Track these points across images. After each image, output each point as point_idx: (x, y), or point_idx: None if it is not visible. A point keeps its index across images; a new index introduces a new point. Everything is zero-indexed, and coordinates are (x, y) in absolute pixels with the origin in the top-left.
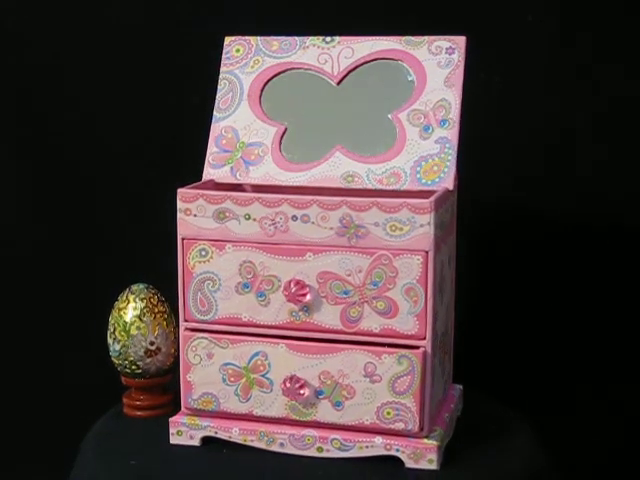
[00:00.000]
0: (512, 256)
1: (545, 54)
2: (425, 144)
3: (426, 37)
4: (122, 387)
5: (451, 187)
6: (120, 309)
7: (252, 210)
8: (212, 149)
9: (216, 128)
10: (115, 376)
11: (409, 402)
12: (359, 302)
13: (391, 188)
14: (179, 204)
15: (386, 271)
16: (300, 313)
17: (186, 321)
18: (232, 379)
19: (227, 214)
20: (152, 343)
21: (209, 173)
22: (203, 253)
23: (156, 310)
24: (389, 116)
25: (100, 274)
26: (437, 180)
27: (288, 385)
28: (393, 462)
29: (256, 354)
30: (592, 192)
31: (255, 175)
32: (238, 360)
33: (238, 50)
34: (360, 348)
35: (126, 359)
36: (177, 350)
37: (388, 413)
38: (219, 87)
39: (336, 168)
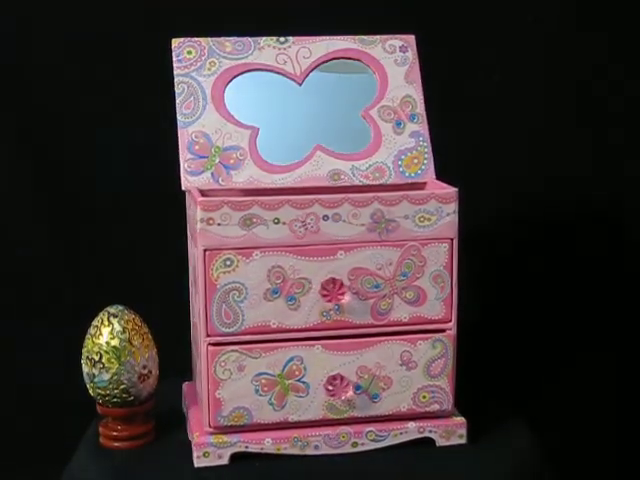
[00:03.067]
0: (512, 257)
1: (545, 54)
2: (400, 139)
3: (378, 36)
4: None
5: (434, 178)
6: (104, 335)
7: (281, 213)
8: (186, 155)
9: (184, 133)
10: None
11: (443, 383)
12: (389, 294)
13: (378, 183)
14: (200, 214)
15: (415, 261)
16: (331, 312)
17: (209, 336)
18: (265, 389)
19: (254, 220)
20: (145, 367)
21: (188, 181)
22: (228, 263)
23: (142, 332)
24: (359, 113)
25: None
26: (420, 172)
27: (331, 386)
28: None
29: (291, 359)
30: (592, 192)
31: (239, 179)
32: (272, 368)
33: (190, 52)
34: (395, 338)
35: (117, 388)
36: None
37: (424, 397)
38: (177, 91)
39: (320, 167)
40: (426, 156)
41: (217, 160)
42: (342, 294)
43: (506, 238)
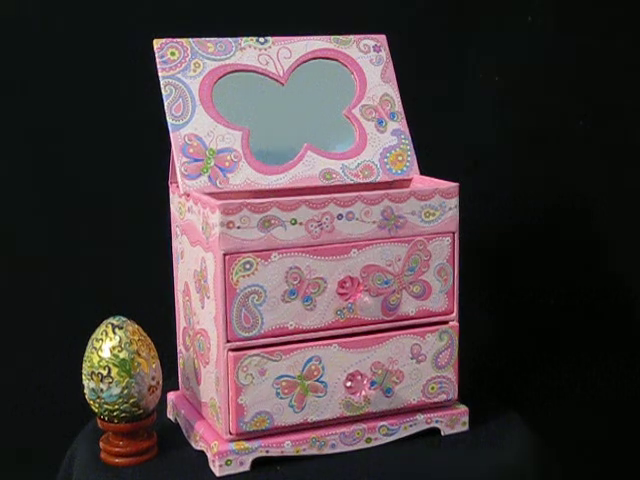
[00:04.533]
0: (511, 256)
1: (545, 54)
2: (383, 137)
3: (352, 36)
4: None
5: (418, 174)
6: (110, 348)
7: (298, 214)
8: (181, 159)
9: (177, 136)
10: None
11: (449, 374)
12: (398, 289)
13: (368, 181)
14: (220, 218)
15: (421, 256)
16: (345, 311)
17: (229, 342)
18: (286, 391)
19: (273, 221)
20: (153, 378)
21: (187, 184)
22: (247, 266)
23: (147, 342)
24: (342, 112)
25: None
26: (405, 169)
27: (350, 383)
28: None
29: (310, 360)
30: (591, 192)
31: (235, 182)
32: (292, 370)
33: (173, 53)
34: (405, 332)
35: (127, 402)
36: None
37: (432, 388)
38: (164, 93)
39: (313, 167)
40: (409, 153)
41: (212, 163)
42: (360, 292)
43: (504, 237)
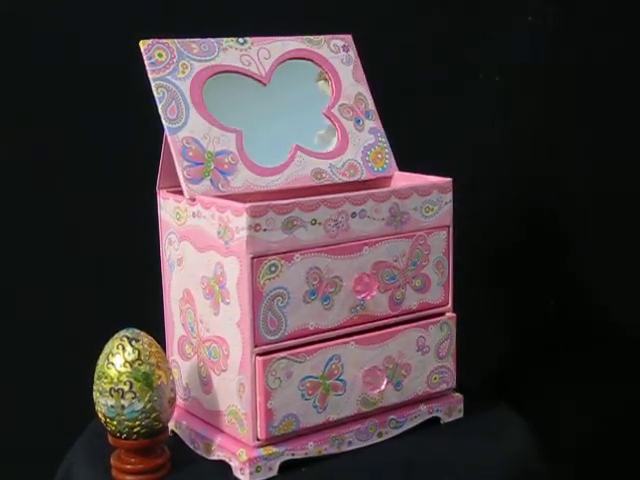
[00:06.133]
0: (511, 254)
1: (545, 54)
2: (362, 135)
3: (322, 36)
4: None
5: (397, 171)
6: (130, 362)
7: (318, 214)
8: (182, 163)
9: (175, 140)
10: None
11: (449, 363)
12: (402, 284)
13: (354, 179)
14: (248, 220)
15: (422, 250)
16: (358, 308)
17: (256, 346)
18: (310, 392)
19: (295, 222)
20: (172, 390)
21: (192, 189)
22: (273, 269)
23: (161, 353)
24: (321, 112)
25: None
26: (385, 167)
27: (370, 378)
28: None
29: (331, 359)
30: (592, 191)
31: (236, 184)
32: (315, 370)
33: (160, 55)
34: (412, 326)
35: (149, 417)
36: None
37: (435, 378)
38: (157, 95)
39: (304, 167)
40: (387, 151)
41: (212, 166)
42: (376, 288)
43: (502, 236)
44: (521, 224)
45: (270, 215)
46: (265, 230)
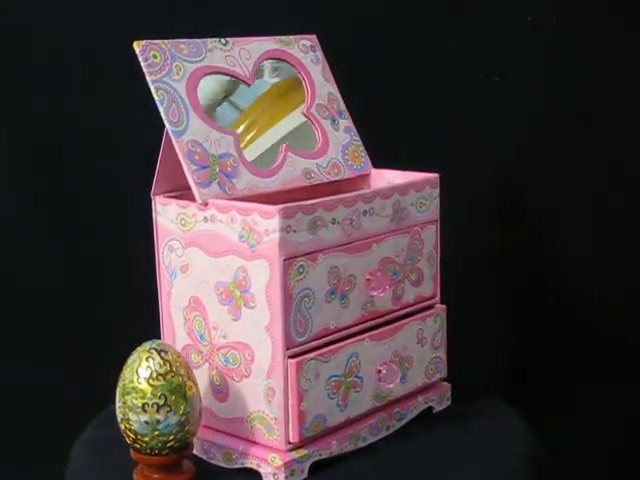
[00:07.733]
0: (510, 253)
1: (544, 54)
2: (339, 135)
3: (292, 37)
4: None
5: (373, 168)
6: (162, 374)
7: (337, 213)
8: (191, 167)
9: (181, 144)
10: None
11: (442, 353)
12: (402, 279)
13: (338, 178)
14: (280, 222)
15: (417, 244)
16: (368, 305)
17: (288, 349)
18: (334, 391)
19: (318, 222)
20: (201, 400)
21: (203, 193)
22: (301, 270)
23: (186, 364)
24: (300, 112)
25: None
26: (363, 165)
27: (384, 372)
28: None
29: (350, 356)
30: (591, 191)
31: (240, 187)
32: (338, 369)
33: (155, 56)
34: (413, 319)
35: (182, 430)
36: None
37: (431, 369)
38: (157, 98)
39: (295, 168)
40: (361, 149)
41: (217, 169)
42: (387, 284)
43: (500, 234)
44: (521, 224)
45: (299, 216)
46: (295, 231)
